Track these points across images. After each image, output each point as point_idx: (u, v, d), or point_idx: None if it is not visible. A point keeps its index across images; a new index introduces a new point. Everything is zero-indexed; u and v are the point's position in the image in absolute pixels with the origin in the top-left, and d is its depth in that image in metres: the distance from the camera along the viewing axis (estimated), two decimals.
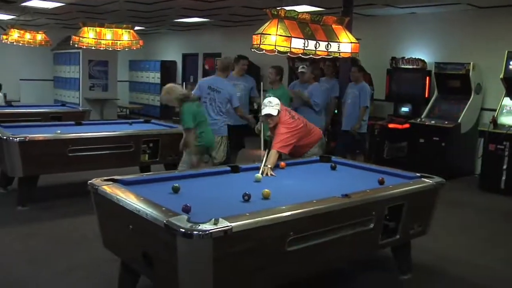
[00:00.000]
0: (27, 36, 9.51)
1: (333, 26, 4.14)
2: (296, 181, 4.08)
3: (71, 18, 12.11)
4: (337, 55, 4.13)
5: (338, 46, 4.06)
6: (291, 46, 3.78)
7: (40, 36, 9.67)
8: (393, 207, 3.73)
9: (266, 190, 3.40)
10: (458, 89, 8.40)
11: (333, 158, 4.90)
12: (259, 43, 3.78)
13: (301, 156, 5.01)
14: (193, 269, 2.62)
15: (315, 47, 3.89)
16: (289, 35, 3.73)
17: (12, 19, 12.18)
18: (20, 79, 14.43)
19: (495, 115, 7.65)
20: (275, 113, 4.63)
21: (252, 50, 3.90)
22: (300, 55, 3.96)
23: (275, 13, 3.82)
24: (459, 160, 8.31)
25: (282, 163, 4.52)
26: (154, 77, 15.75)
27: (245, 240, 2.72)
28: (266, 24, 3.86)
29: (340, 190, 3.46)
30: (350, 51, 4.18)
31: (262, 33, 3.76)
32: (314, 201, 3.18)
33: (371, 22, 10.03)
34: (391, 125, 8.94)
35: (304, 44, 3.82)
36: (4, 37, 9.47)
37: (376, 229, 3.59)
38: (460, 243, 5.26)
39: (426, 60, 8.99)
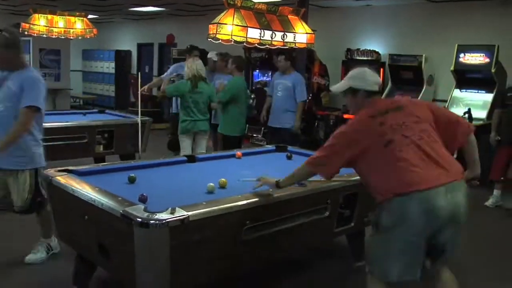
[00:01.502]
0: None
1: (289, 16, 4.17)
2: (253, 171, 4.09)
3: (20, 4, 11.71)
4: (292, 45, 4.17)
5: (294, 37, 4.10)
6: (247, 36, 3.79)
7: None
8: (348, 196, 3.82)
9: (222, 179, 3.41)
10: (411, 81, 8.61)
11: (289, 148, 4.95)
12: (215, 32, 3.77)
13: None
14: (150, 259, 2.61)
15: (271, 37, 3.92)
16: (246, 25, 3.74)
17: None
18: None
19: (446, 106, 7.88)
20: None
21: (208, 39, 3.90)
22: (256, 45, 3.98)
23: (232, 2, 3.81)
24: None
25: (239, 153, 4.54)
26: (108, 67, 15.47)
27: (202, 229, 2.73)
28: (223, 14, 3.85)
29: None
30: (305, 42, 4.23)
31: (218, 23, 3.76)
32: (270, 190, 3.21)
33: (327, 13, 10.13)
34: (346, 116, 9.05)
35: (260, 34, 3.84)
36: None
37: (332, 217, 3.66)
38: None
39: (380, 52, 9.17)
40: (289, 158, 4.60)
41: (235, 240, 2.96)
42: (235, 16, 3.76)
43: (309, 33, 4.24)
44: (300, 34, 4.17)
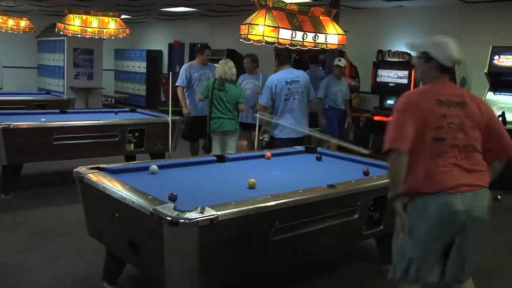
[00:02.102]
0: (10, 22, 9.38)
1: (320, 17, 4.15)
2: (282, 172, 4.10)
3: (56, 5, 11.96)
4: (324, 46, 4.16)
5: (325, 38, 4.08)
6: (279, 37, 3.79)
7: (23, 23, 9.55)
8: (378, 198, 3.78)
9: (252, 179, 3.42)
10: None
11: (319, 149, 4.93)
12: (247, 33, 3.78)
13: None
14: (179, 257, 2.64)
15: (303, 38, 3.91)
16: (277, 26, 3.74)
17: None
18: (3, 66, 14.23)
19: None
20: None
21: (240, 40, 3.91)
22: (287, 45, 3.97)
23: (263, 3, 3.82)
24: None
25: (268, 153, 4.54)
26: (140, 66, 15.66)
27: (231, 229, 2.74)
28: (254, 14, 3.86)
29: (326, 180, 3.47)
30: (337, 43, 4.20)
31: (250, 23, 3.77)
32: (300, 191, 3.20)
33: (358, 14, 10.07)
34: (376, 118, 8.99)
35: (292, 35, 3.84)
36: None
37: (361, 220, 3.63)
38: None
39: (412, 54, 9.04)
40: (318, 159, 4.58)
41: (264, 241, 2.96)
42: (266, 16, 3.77)
43: (340, 34, 4.21)
44: (332, 35, 4.15)
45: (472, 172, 2.66)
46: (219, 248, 2.72)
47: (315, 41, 4.00)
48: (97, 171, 3.52)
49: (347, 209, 3.49)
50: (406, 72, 9.05)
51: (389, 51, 9.30)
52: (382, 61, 9.36)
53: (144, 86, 15.53)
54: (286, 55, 5.63)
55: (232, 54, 11.19)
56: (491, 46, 7.76)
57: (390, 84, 9.28)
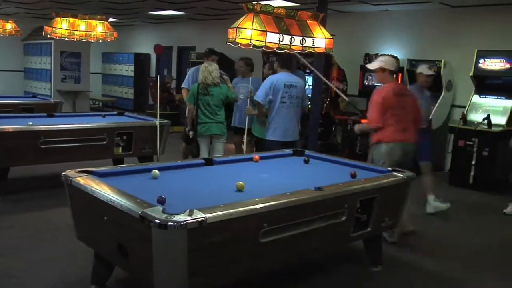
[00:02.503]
0: None
1: (308, 21, 4.19)
2: (270, 174, 4.12)
3: (43, 8, 11.89)
4: (311, 50, 4.19)
5: (313, 41, 4.11)
6: (266, 41, 3.81)
7: (10, 25, 9.48)
8: (365, 200, 3.81)
9: (240, 182, 3.43)
10: (430, 86, 8.54)
11: (307, 152, 4.96)
12: (234, 36, 3.80)
13: None
14: (168, 260, 2.64)
15: (290, 42, 3.94)
16: (265, 30, 3.77)
17: None
18: None
19: (465, 112, 7.83)
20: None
21: (228, 43, 3.93)
22: (274, 49, 4.00)
23: (251, 7, 3.84)
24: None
25: (256, 156, 4.56)
26: (127, 69, 15.62)
27: (220, 231, 2.75)
28: (242, 18, 3.88)
29: (313, 183, 3.50)
30: (324, 46, 4.24)
31: (238, 27, 3.79)
32: (288, 193, 3.22)
33: (345, 18, 10.13)
34: (363, 121, 8.98)
35: (279, 38, 3.86)
36: None
37: (348, 222, 3.66)
38: (429, 236, 5.38)
39: (398, 57, 9.11)
40: (306, 162, 4.61)
41: (253, 243, 2.98)
42: (254, 20, 3.79)
43: (327, 38, 4.25)
44: (319, 39, 4.18)
45: (408, 131, 4.92)
46: (208, 251, 2.73)
47: (302, 44, 4.03)
48: (85, 174, 3.52)
49: (334, 211, 3.52)
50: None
51: (376, 54, 9.35)
52: (369, 64, 9.39)
53: (132, 90, 15.49)
54: (287, 59, 5.82)
55: (220, 58, 11.19)
56: (476, 50, 7.86)
57: (377, 87, 9.33)
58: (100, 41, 7.58)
